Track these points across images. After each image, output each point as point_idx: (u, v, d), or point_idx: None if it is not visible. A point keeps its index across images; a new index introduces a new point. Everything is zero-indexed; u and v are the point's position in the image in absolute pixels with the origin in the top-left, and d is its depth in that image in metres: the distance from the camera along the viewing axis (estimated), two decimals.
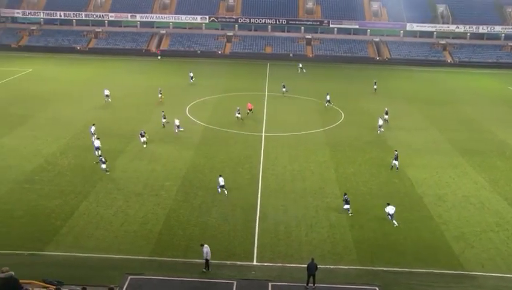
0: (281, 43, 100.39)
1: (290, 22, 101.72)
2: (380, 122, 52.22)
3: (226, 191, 36.63)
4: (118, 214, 33.13)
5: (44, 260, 27.95)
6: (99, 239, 30.09)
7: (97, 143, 43.24)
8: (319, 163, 43.02)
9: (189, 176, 39.51)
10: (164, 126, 51.23)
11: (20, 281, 19.95)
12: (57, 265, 27.29)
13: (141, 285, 24.60)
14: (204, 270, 26.96)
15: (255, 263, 28.28)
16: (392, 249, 30.03)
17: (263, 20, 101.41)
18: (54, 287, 21.25)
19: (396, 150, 43.27)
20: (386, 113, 54.98)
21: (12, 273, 18.18)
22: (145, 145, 45.05)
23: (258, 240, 30.46)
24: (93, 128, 47.03)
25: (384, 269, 27.98)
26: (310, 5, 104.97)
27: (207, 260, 27.01)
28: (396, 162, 42.04)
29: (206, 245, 26.99)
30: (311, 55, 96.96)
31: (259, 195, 36.50)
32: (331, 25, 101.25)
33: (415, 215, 34.19)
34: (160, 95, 62.00)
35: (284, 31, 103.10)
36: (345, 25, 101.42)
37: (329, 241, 30.54)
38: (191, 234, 30.85)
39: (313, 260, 25.64)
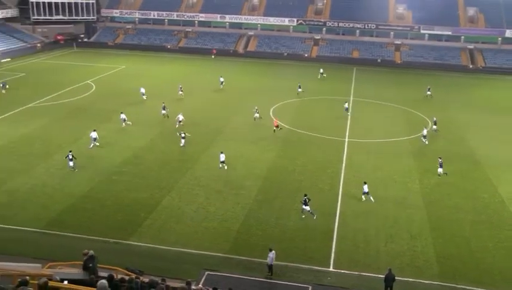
0: (369, 48, 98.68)
1: (379, 27, 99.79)
2: (425, 132, 49.66)
3: (225, 166, 40.63)
4: (199, 210, 33.91)
5: (127, 248, 29.14)
6: (180, 234, 30.93)
7: (94, 134, 45.00)
8: (402, 172, 41.90)
9: (270, 177, 39.75)
10: (164, 117, 53.70)
11: (106, 267, 21.02)
12: (139, 255, 28.39)
13: (217, 281, 24.99)
14: (268, 275, 26.81)
15: (331, 269, 28.00)
16: (478, 267, 28.57)
17: (351, 25, 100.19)
18: (136, 275, 22.03)
19: (440, 157, 41.77)
20: (435, 123, 52.64)
21: (92, 251, 19.63)
22: (182, 143, 45.51)
23: (335, 246, 30.14)
24: (123, 116, 50.96)
25: (468, 288, 26.67)
26: (400, 10, 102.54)
27: (270, 265, 26.85)
28: (440, 170, 41.10)
29: (273, 251, 26.85)
30: (399, 62, 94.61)
31: (339, 201, 36.10)
32: (422, 31, 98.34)
33: (505, 234, 32.31)
34: (180, 92, 63.47)
35: (372, 36, 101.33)
36: (437, 31, 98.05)
37: (409, 254, 29.66)
38: (270, 235, 30.99)
39: (390, 270, 25.04)
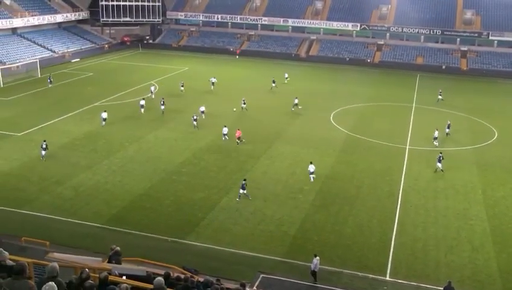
0: (434, 54, 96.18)
1: (445, 33, 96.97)
2: (436, 134, 49.20)
3: (227, 137, 47.47)
4: (256, 213, 34.03)
5: (184, 248, 29.59)
6: (236, 235, 31.13)
7: (104, 115, 51.33)
8: (464, 182, 40.57)
9: (328, 182, 39.44)
10: (163, 113, 55.93)
11: (163, 264, 21.49)
12: (195, 254, 28.76)
13: (272, 285, 25.02)
14: (314, 282, 26.45)
15: (387, 278, 27.45)
16: None
17: (416, 30, 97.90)
18: (191, 274, 22.37)
19: (441, 152, 42.86)
20: (448, 127, 51.81)
21: (119, 248, 20.54)
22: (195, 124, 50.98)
23: (393, 254, 29.54)
24: (142, 102, 56.74)
25: None
26: (468, 15, 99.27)
27: (314, 272, 26.50)
28: (439, 165, 41.79)
29: (318, 257, 26.49)
30: (465, 69, 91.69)
31: (397, 209, 35.36)
32: (490, 37, 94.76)
33: None
34: (182, 88, 66.00)
35: (437, 42, 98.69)
36: (508, 38, 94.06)
37: (470, 267, 28.67)
38: (325, 241, 30.75)
39: (450, 283, 24.30)
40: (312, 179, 39.32)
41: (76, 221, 32.15)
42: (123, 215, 33.12)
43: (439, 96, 67.07)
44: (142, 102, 56.63)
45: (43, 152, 41.60)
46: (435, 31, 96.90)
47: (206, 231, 31.49)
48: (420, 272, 27.99)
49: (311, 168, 39.59)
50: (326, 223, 32.91)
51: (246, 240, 30.60)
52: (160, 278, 12.18)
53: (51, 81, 68.28)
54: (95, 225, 31.77)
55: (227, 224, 32.44)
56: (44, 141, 42.36)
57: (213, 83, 69.37)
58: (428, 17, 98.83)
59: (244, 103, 58.40)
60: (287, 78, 77.11)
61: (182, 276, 19.12)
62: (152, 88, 65.19)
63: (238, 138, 47.39)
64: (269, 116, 56.99)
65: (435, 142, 48.96)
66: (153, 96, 63.27)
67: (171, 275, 18.08)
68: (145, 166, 41.36)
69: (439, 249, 30.35)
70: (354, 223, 33.07)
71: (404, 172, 42.18)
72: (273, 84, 70.51)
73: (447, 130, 51.81)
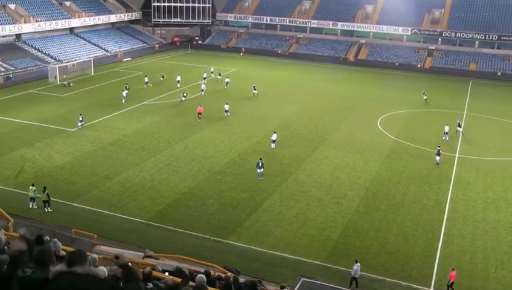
0: (488, 60, 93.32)
1: (502, 38, 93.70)
2: (446, 129, 51.46)
3: (229, 114, 53.55)
4: (299, 216, 33.87)
5: (225, 247, 29.71)
6: (278, 237, 31.05)
7: (124, 93, 59.78)
8: None
9: (373, 188, 38.89)
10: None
11: (205, 263, 21.65)
12: (236, 255, 28.86)
13: (312, 289, 24.84)
14: (355, 289, 26.08)
15: (432, 289, 26.79)
16: None
17: (470, 35, 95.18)
18: (233, 274, 22.45)
19: (439, 146, 44.76)
20: (459, 126, 53.50)
21: (152, 252, 21.12)
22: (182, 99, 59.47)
23: (438, 265, 28.80)
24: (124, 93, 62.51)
25: None
26: None
27: (354, 278, 26.07)
28: (438, 158, 43.62)
29: (358, 263, 26.12)
30: None
31: (444, 219, 34.47)
32: None
33: None
34: (161, 79, 71.81)
35: (493, 48, 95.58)
36: None
37: None
38: (368, 248, 30.31)
39: None
40: (273, 146, 45.49)
41: (123, 216, 32.83)
42: (167, 213, 33.59)
43: (424, 97, 67.80)
44: (124, 93, 63.05)
45: (79, 124, 49.14)
46: (491, 36, 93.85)
47: (249, 232, 31.55)
48: (466, 285, 27.11)
49: (274, 136, 45.47)
50: (369, 230, 32.44)
51: (288, 242, 30.49)
52: (202, 275, 12.28)
53: (68, 84, 68.48)
54: (140, 220, 32.37)
55: (269, 226, 32.42)
56: (81, 114, 50.07)
57: (205, 78, 72.13)
58: (484, 22, 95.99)
59: (255, 89, 64.99)
60: (211, 72, 77.65)
61: (223, 275, 19.24)
62: (178, 77, 69.38)
63: (199, 114, 53.17)
64: (317, 119, 56.66)
65: (443, 137, 50.63)
66: (179, 84, 67.81)
67: (212, 273, 18.21)
68: (190, 165, 41.83)
69: (488, 263, 29.36)
70: (399, 231, 32.46)
71: (452, 181, 41.12)
72: (219, 76, 74.88)
73: (458, 128, 53.09)
